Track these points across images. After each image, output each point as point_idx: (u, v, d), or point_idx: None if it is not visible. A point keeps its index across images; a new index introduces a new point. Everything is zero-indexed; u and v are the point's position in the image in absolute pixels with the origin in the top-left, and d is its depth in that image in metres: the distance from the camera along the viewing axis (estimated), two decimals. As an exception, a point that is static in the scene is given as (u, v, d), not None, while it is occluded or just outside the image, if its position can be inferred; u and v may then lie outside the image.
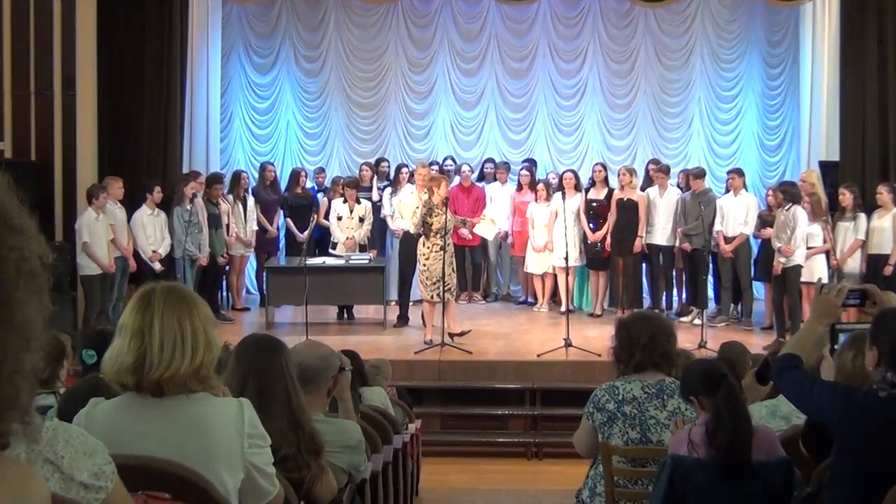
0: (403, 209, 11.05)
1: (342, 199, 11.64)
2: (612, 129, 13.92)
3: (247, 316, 11.99)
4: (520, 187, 12.70)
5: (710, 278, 11.75)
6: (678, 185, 12.13)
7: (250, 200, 12.17)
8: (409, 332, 10.94)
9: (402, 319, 11.24)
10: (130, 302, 2.67)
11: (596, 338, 10.25)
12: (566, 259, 10.43)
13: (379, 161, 13.04)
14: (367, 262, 11.04)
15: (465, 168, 12.84)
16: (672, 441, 3.84)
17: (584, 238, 11.89)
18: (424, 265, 10.10)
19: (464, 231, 12.13)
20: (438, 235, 9.94)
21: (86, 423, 2.60)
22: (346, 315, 11.73)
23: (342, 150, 13.98)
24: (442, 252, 9.86)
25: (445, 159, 13.20)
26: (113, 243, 10.41)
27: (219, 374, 2.85)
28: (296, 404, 3.30)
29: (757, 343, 9.96)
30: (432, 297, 10.03)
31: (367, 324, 11.58)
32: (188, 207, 10.87)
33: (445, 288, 9.92)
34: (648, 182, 12.22)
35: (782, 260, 10.29)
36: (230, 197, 11.95)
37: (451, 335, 10.10)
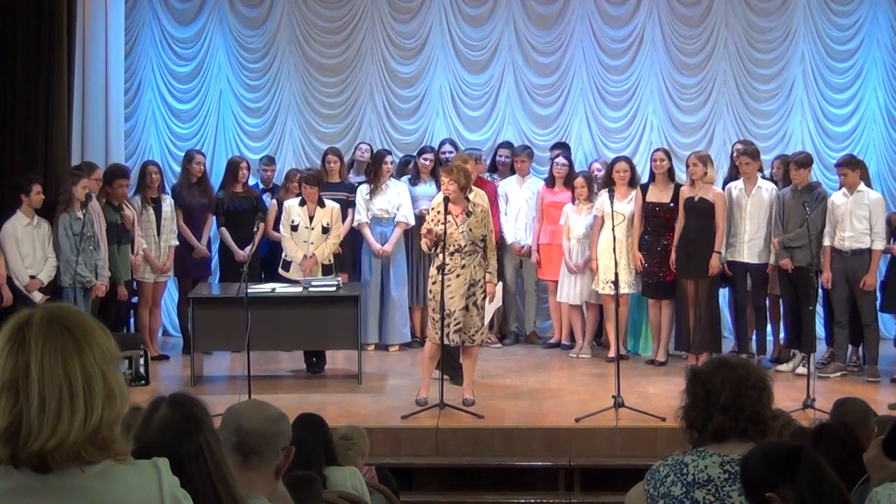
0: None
1: (298, 200, 11.70)
2: (679, 99, 13.99)
3: (164, 367, 12.01)
4: (551, 182, 12.77)
5: (820, 310, 11.76)
6: (771, 178, 12.18)
7: (167, 204, 12.23)
8: (396, 387, 10.96)
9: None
10: None
11: (658, 395, 10.30)
12: (615, 284, 10.45)
13: (374, 154, 13.03)
14: (334, 289, 11.08)
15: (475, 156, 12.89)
16: None
17: (645, 252, 11.93)
18: (430, 291, 10.21)
19: None
20: (446, 251, 9.99)
21: None
22: (313, 364, 11.75)
23: (298, 131, 14.06)
24: (452, 275, 9.95)
25: (443, 144, 13.27)
26: (-26, 266, 10.47)
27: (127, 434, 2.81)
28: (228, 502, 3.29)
29: (884, 400, 10.00)
30: (437, 336, 10.08)
31: (335, 377, 11.61)
32: (79, 215, 10.89)
33: (456, 328, 9.99)
34: (732, 174, 12.24)
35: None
36: (137, 199, 12.00)
37: (466, 402, 10.15)
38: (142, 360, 10.69)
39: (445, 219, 9.89)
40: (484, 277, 10.13)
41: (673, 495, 4.17)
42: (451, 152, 12.94)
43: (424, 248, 10.30)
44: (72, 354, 2.56)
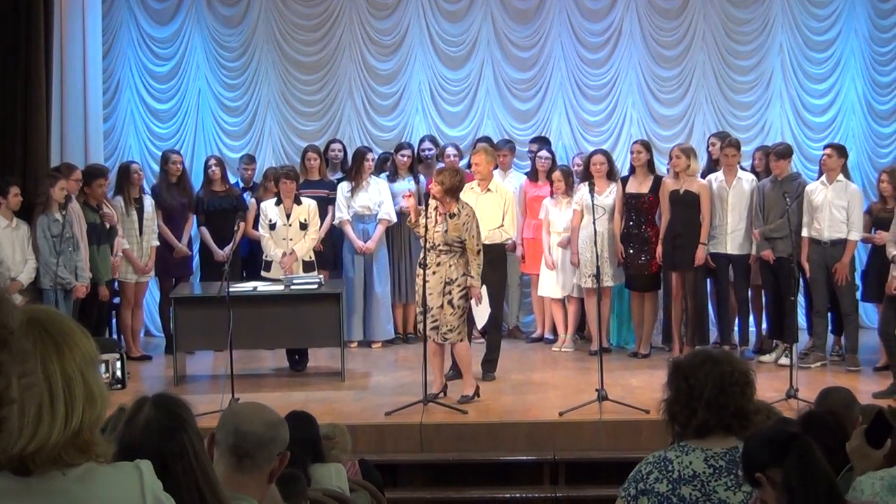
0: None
1: (274, 200, 11.69)
2: (658, 91, 14.00)
3: (147, 368, 11.99)
4: (534, 176, 12.78)
5: (802, 300, 11.79)
6: (752, 169, 12.21)
7: (148, 204, 12.20)
8: (379, 384, 10.96)
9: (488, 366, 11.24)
10: None
11: (641, 387, 10.30)
12: (597, 277, 10.45)
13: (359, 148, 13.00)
14: (316, 287, 11.08)
15: (451, 151, 12.93)
16: None
17: (627, 243, 11.93)
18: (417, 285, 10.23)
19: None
20: (429, 248, 9.99)
21: None
22: (295, 362, 11.73)
23: (277, 129, 14.04)
24: (429, 271, 9.93)
25: (423, 141, 13.27)
26: (-47, 269, 10.42)
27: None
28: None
29: (867, 389, 10.02)
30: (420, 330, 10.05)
31: (318, 375, 11.58)
32: (58, 216, 10.85)
33: (432, 324, 9.99)
34: (711, 165, 12.27)
35: (898, 274, 10.37)
36: (119, 200, 11.97)
37: (465, 397, 10.13)
38: (118, 364, 10.67)
39: (426, 213, 9.89)
40: (465, 278, 10.07)
41: (658, 492, 4.16)
42: (430, 149, 12.99)
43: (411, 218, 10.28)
44: (51, 357, 2.54)
